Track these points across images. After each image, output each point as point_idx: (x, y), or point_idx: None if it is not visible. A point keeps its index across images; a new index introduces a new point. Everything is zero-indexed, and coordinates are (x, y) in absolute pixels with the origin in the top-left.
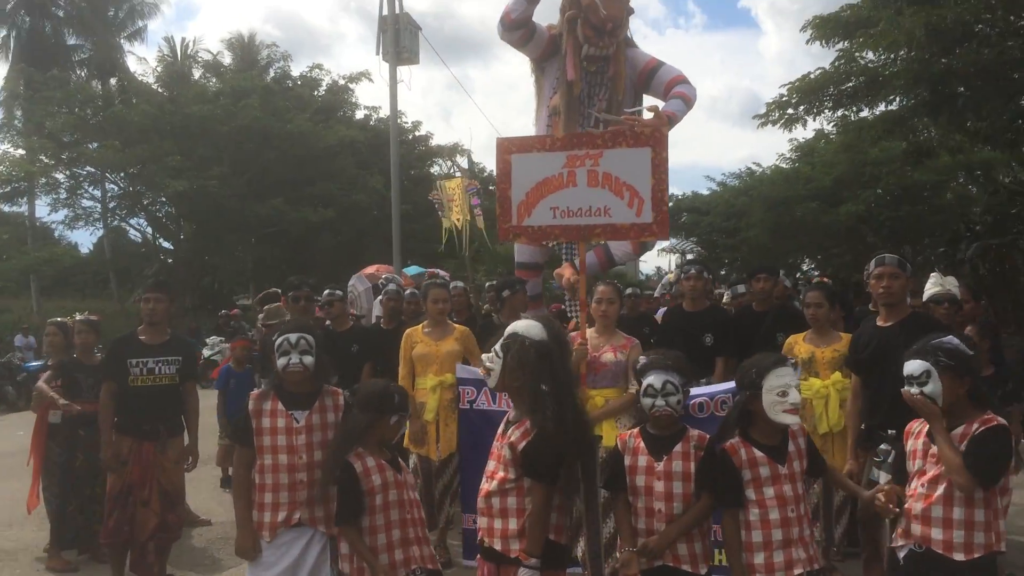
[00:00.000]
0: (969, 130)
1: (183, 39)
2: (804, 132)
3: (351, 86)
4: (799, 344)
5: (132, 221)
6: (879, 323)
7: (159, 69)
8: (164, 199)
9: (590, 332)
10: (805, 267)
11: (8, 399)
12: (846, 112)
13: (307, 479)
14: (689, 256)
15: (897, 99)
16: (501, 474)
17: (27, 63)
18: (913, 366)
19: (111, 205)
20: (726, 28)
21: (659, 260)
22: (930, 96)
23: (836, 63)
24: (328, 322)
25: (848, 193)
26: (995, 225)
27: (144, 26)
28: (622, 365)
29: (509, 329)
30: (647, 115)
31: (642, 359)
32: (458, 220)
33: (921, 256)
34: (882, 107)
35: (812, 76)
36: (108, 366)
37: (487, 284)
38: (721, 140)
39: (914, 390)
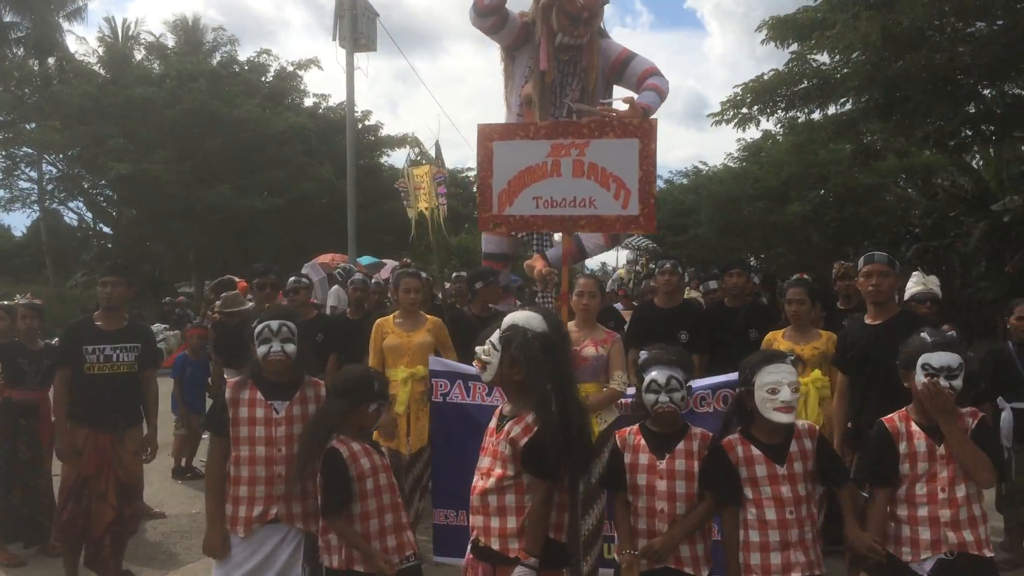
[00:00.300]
0: (917, 134)
1: (124, 20)
2: (755, 132)
3: (300, 73)
4: (778, 341)
5: (71, 204)
6: (868, 321)
7: (100, 50)
8: (104, 183)
9: (570, 326)
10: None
11: None
12: (797, 113)
13: (285, 473)
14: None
15: (849, 101)
16: (499, 471)
17: None
18: (949, 359)
19: (49, 187)
20: (672, 28)
21: (604, 255)
22: (883, 99)
23: (789, 64)
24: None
25: (795, 193)
26: (933, 228)
27: (84, 5)
28: (603, 359)
29: (507, 320)
30: (622, 106)
31: (643, 354)
32: (426, 208)
33: (868, 247)
34: (833, 109)
35: (766, 77)
36: (63, 352)
37: (454, 275)
38: (666, 138)
39: (944, 383)
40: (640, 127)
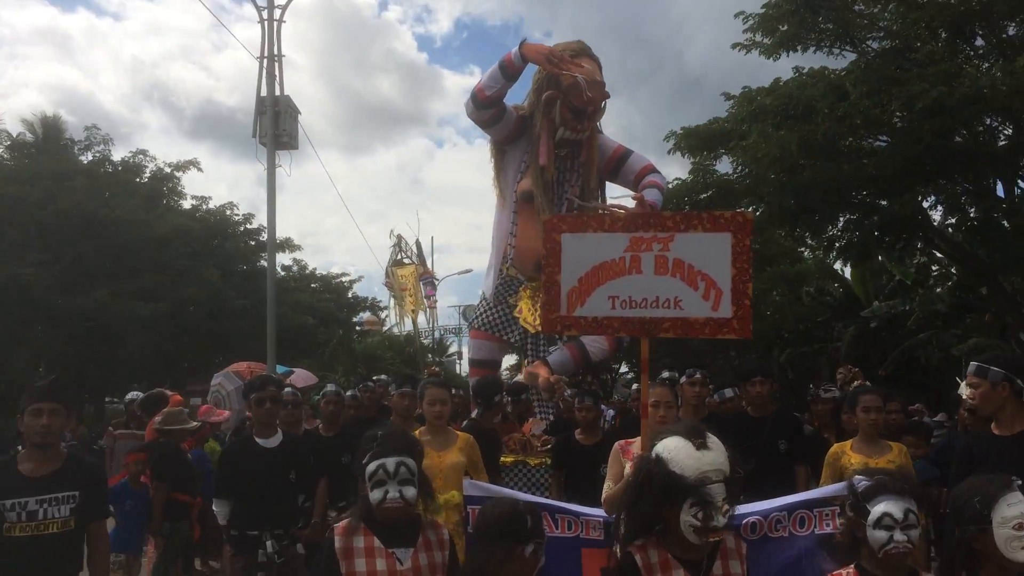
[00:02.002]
0: (823, 241)
1: None
2: None
3: (177, 175)
4: (847, 454)
5: None
6: (997, 432)
7: None
8: None
9: (638, 444)
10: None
11: None
12: None
13: None
14: None
15: (750, 209)
16: None
17: None
18: None
19: None
20: None
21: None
22: (795, 206)
23: (694, 174)
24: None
25: None
26: (804, 333)
27: None
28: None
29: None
30: (629, 203)
31: (862, 480)
32: (412, 311)
33: (737, 360)
34: None
35: (670, 186)
36: None
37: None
38: None
39: None
40: (733, 220)
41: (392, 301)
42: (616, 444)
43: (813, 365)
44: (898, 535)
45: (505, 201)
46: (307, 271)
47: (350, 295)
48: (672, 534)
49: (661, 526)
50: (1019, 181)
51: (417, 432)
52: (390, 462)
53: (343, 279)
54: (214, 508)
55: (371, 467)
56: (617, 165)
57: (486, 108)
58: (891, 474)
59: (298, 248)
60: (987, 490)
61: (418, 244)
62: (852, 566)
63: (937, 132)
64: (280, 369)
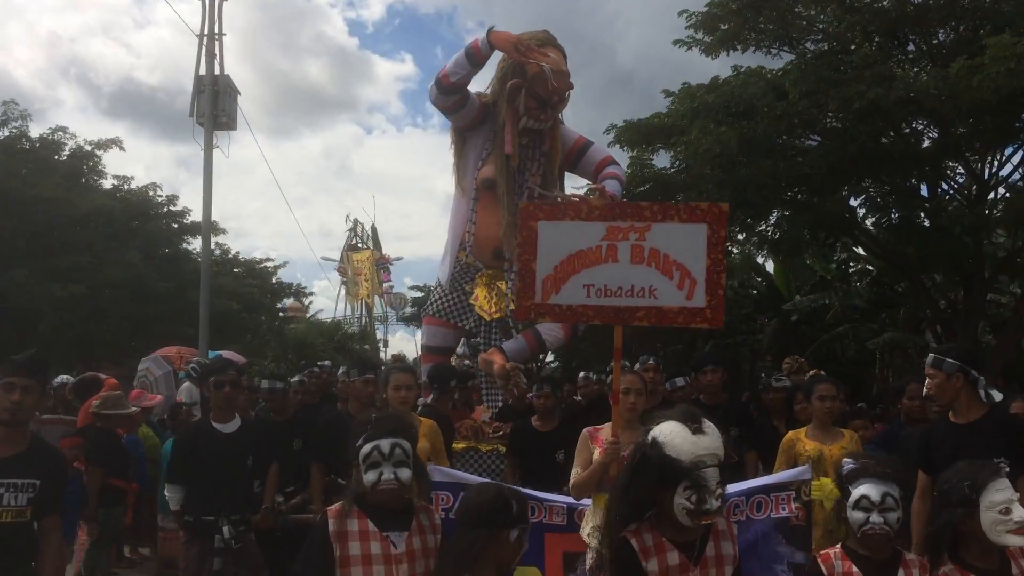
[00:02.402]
0: (754, 236)
1: None
2: None
3: (98, 153)
4: (802, 441)
5: None
6: (953, 420)
7: None
8: None
9: (607, 429)
10: None
11: None
12: None
13: None
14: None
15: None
16: None
17: None
18: None
19: None
20: None
21: (402, 344)
22: (733, 201)
23: (632, 167)
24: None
25: None
26: (728, 326)
27: None
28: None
29: None
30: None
31: (849, 463)
32: (368, 297)
33: (663, 352)
34: None
35: None
36: None
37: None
38: None
39: None
40: (710, 211)
41: (343, 288)
42: (585, 430)
43: (736, 356)
44: (875, 517)
45: (464, 188)
46: (230, 255)
47: (275, 280)
48: (666, 518)
49: (653, 511)
50: (941, 183)
51: None
52: (385, 444)
53: (267, 264)
54: (166, 494)
55: (366, 449)
56: (578, 156)
57: (450, 94)
58: (877, 459)
59: (222, 232)
60: (977, 475)
61: (374, 229)
62: (839, 546)
63: (870, 133)
64: (210, 354)
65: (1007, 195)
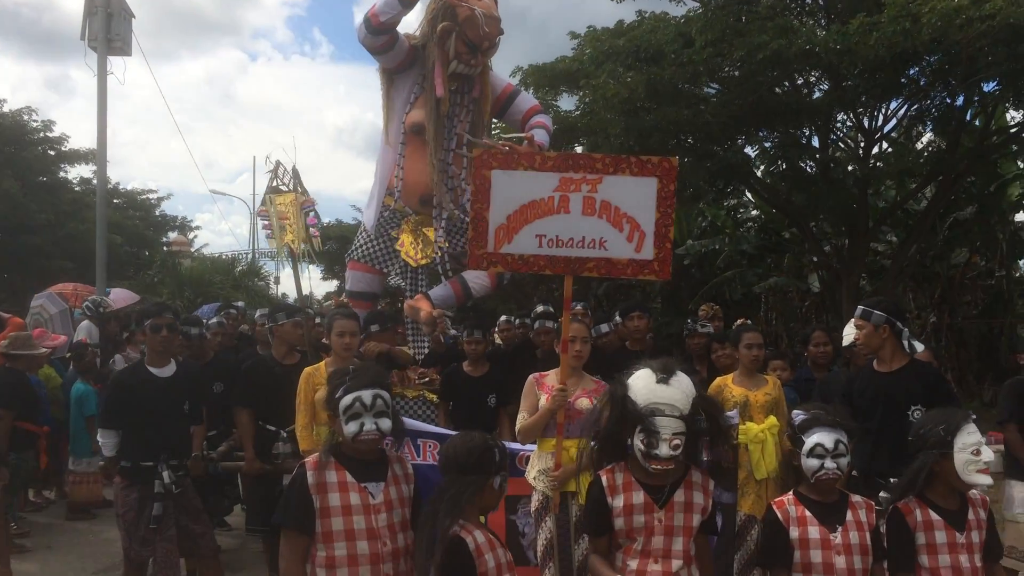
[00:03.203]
0: None
1: None
2: None
3: None
4: (729, 387)
5: None
6: (877, 368)
7: None
8: None
9: (554, 375)
10: None
11: None
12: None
13: (392, 574)
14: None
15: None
16: None
17: None
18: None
19: None
20: (352, 61)
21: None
22: (638, 146)
23: None
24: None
25: None
26: None
27: None
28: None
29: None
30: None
31: (800, 414)
32: (292, 241)
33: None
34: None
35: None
36: None
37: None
38: (347, 169)
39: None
40: (660, 165)
41: (266, 232)
42: (531, 376)
43: (627, 297)
44: (828, 463)
45: (391, 132)
46: (109, 186)
47: (158, 213)
48: (637, 462)
49: (630, 456)
50: (832, 134)
51: (324, 363)
52: (367, 394)
53: (150, 196)
54: (99, 439)
55: (347, 400)
56: (506, 103)
57: (380, 34)
58: (826, 409)
59: (278, 167)
60: (951, 420)
61: (295, 171)
62: (791, 493)
63: (771, 84)
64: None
65: (890, 149)
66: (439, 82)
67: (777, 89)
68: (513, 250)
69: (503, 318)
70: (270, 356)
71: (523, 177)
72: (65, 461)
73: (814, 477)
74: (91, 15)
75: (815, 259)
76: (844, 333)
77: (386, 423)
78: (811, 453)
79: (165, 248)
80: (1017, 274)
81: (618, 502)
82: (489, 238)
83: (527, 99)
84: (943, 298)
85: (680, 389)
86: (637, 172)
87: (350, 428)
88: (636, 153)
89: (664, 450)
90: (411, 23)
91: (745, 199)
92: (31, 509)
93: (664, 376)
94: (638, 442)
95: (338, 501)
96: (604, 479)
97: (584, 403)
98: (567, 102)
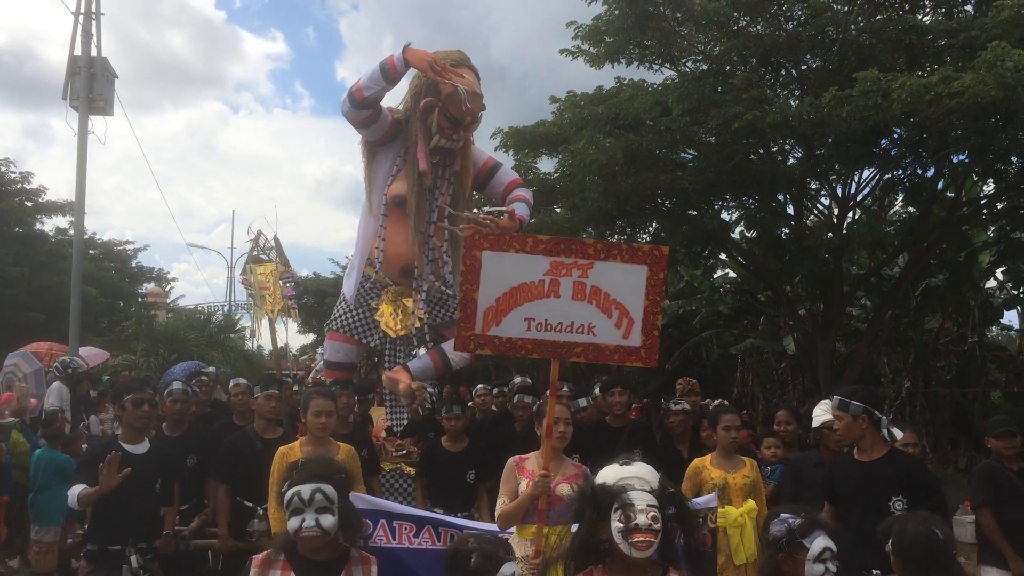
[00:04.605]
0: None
1: None
2: None
3: None
4: (707, 469)
5: None
6: (858, 457)
7: None
8: None
9: (534, 457)
10: None
11: None
12: None
13: None
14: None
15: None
16: None
17: None
18: None
19: None
20: (332, 114)
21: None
22: (615, 210)
23: (516, 171)
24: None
25: None
26: None
27: None
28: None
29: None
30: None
31: (791, 518)
32: (271, 312)
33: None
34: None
35: None
36: None
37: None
38: (325, 221)
39: None
40: (650, 253)
41: (250, 300)
42: (511, 460)
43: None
44: (830, 565)
45: (372, 203)
46: (86, 236)
47: (134, 264)
48: (616, 560)
49: (608, 557)
50: (805, 201)
51: (298, 442)
52: (305, 489)
53: (127, 247)
54: (71, 500)
55: (288, 494)
56: (487, 177)
57: (363, 108)
58: (806, 511)
59: (259, 237)
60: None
61: (276, 240)
62: None
63: (746, 151)
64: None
65: (863, 217)
66: (422, 156)
67: (752, 156)
68: (501, 332)
69: (480, 386)
70: (252, 430)
71: (514, 260)
72: (28, 529)
73: None
74: (74, 75)
75: (791, 322)
76: (814, 414)
77: (328, 519)
78: (818, 558)
79: (140, 300)
80: (988, 339)
81: None
82: (478, 320)
83: (508, 173)
84: (917, 363)
85: (644, 467)
86: (628, 259)
87: (291, 524)
88: (613, 217)
89: (643, 519)
90: (395, 97)
91: (721, 259)
92: None
93: (627, 460)
94: (615, 523)
95: None
96: None
97: (564, 489)
98: (547, 164)
